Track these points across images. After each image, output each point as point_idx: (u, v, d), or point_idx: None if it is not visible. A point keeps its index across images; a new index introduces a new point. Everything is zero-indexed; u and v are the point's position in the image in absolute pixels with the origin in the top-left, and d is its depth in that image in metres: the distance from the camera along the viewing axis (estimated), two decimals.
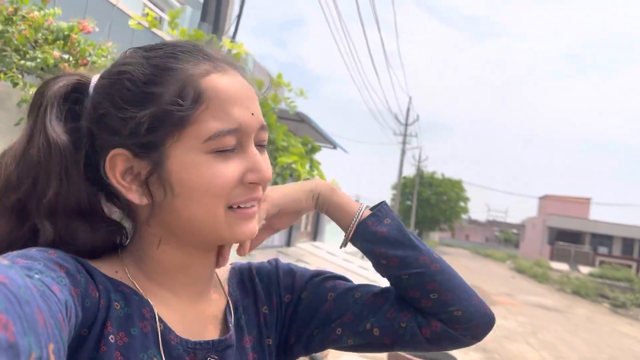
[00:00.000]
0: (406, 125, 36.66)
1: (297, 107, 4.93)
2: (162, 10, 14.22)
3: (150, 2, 13.98)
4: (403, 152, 36.40)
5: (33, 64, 4.65)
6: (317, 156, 5.00)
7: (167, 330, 0.71)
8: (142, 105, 0.67)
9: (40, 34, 4.90)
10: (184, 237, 0.72)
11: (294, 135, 4.86)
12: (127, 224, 0.77)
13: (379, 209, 0.88)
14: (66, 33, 5.00)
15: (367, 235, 0.86)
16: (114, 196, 0.75)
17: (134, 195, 0.69)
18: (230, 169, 0.68)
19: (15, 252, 0.59)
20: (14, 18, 4.63)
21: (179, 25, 4.22)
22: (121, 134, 0.67)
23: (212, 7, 6.17)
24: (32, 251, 0.61)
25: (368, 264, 20.36)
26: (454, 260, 40.30)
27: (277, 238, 17.49)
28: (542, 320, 13.61)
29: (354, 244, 0.89)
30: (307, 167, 4.81)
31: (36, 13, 4.71)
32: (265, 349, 0.85)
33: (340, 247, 0.88)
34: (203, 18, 6.28)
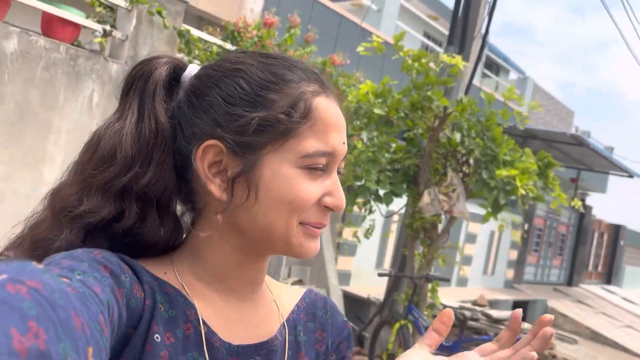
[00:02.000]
0: None
1: (529, 121, 4.64)
2: (436, 42, 14.86)
3: (429, 38, 14.75)
4: None
5: None
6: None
7: (210, 332, 0.71)
8: (254, 107, 0.68)
9: None
10: (251, 240, 0.72)
11: (521, 150, 4.57)
12: (183, 223, 0.77)
13: None
14: (321, 67, 5.80)
15: None
16: (186, 191, 0.74)
17: (216, 189, 0.69)
18: (315, 188, 0.70)
19: (60, 254, 0.61)
20: None
21: (403, 47, 4.50)
22: (224, 127, 0.68)
23: (457, 31, 6.29)
24: (78, 252, 0.62)
25: None
26: None
27: (555, 274, 15.87)
28: None
29: None
30: (538, 184, 4.45)
31: (294, 52, 5.60)
32: None
33: None
34: (450, 42, 6.45)
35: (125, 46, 4.49)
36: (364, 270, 7.94)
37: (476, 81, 12.92)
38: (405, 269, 5.22)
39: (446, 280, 4.84)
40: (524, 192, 3.96)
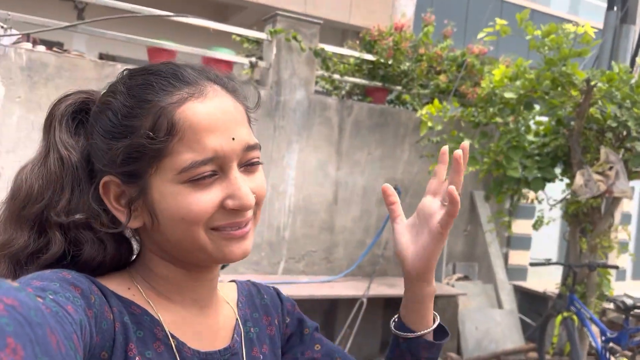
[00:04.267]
0: None
1: None
2: None
3: None
4: None
5: (428, 91, 5.59)
6: None
7: (180, 344, 0.73)
8: (121, 137, 0.69)
9: (445, 64, 5.79)
10: (177, 257, 0.74)
11: None
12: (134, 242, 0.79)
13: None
14: (459, 59, 5.74)
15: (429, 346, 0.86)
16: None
17: (126, 219, 0.71)
18: (208, 197, 0.69)
19: (30, 275, 0.62)
20: (424, 57, 5.71)
21: (531, 24, 4.27)
22: (107, 163, 0.70)
23: None
24: (47, 272, 0.63)
25: None
26: None
27: None
28: None
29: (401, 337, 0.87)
30: None
31: (426, 50, 5.64)
32: (279, 358, 0.88)
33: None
34: (610, 6, 5.80)
35: (270, 73, 5.09)
36: None
37: None
38: (570, 258, 4.85)
39: (614, 268, 4.36)
40: None
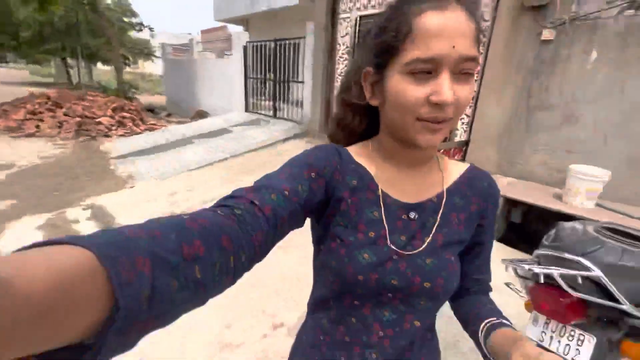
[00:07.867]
0: None
1: None
2: None
3: None
4: None
5: None
6: None
7: (385, 195, 0.96)
8: (379, 36, 0.88)
9: None
10: (394, 133, 0.94)
11: None
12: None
13: None
14: None
15: None
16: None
17: (370, 97, 0.95)
18: (418, 90, 0.83)
19: (286, 163, 0.91)
20: None
21: None
22: (367, 59, 0.92)
23: None
24: (301, 155, 0.93)
25: None
26: None
27: None
28: None
29: None
30: None
31: None
32: (470, 229, 1.01)
33: None
34: None
35: None
36: None
37: None
38: None
39: None
40: None
